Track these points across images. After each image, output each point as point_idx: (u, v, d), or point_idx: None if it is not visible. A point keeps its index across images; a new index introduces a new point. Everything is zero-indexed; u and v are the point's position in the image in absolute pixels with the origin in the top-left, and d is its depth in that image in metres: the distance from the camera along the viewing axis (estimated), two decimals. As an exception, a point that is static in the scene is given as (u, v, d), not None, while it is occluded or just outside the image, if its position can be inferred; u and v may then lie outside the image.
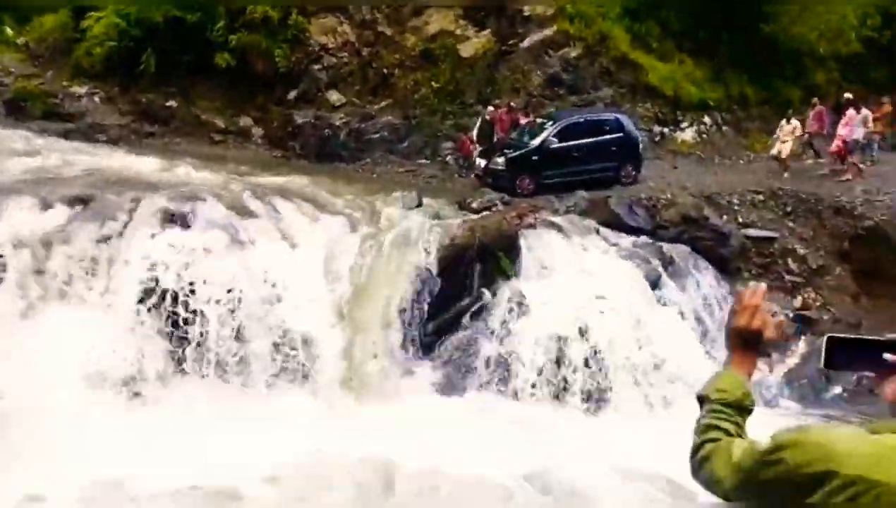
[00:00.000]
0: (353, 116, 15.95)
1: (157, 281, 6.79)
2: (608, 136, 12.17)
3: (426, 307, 7.66)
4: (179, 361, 6.56)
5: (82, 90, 15.69)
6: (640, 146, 12.59)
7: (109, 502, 5.03)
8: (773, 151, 13.46)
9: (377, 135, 16.01)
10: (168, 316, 6.60)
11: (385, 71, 16.97)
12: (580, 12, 16.60)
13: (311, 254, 7.77)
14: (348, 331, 7.40)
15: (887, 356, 1.40)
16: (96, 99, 15.56)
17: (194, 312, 6.81)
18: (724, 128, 17.07)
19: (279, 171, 12.04)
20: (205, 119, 15.59)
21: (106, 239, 6.89)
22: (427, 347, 7.63)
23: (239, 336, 6.79)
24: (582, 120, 12.71)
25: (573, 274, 7.77)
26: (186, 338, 6.62)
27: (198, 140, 15.10)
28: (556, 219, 8.64)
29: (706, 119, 16.55)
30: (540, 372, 7.11)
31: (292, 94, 16.43)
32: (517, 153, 12.04)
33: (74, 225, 6.96)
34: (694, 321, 7.79)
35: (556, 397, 7.22)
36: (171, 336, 6.59)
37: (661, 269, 8.10)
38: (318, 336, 7.30)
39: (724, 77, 17.99)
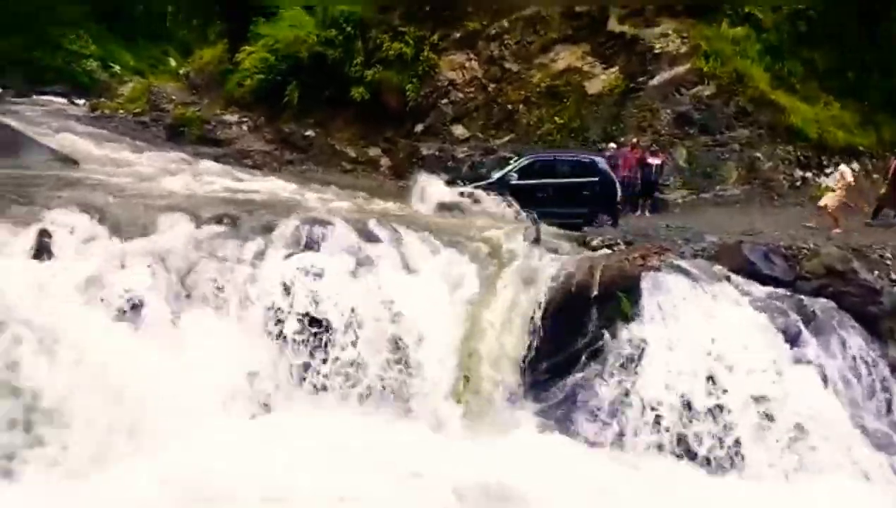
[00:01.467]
0: (476, 150, 16.33)
1: (287, 297, 7.18)
2: (580, 179, 11.39)
3: (541, 344, 7.54)
4: (303, 376, 6.87)
5: (233, 118, 17.25)
6: (618, 194, 11.70)
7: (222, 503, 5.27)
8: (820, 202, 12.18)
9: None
10: (296, 332, 6.95)
11: (510, 106, 17.26)
12: (716, 50, 16.06)
13: (431, 283, 7.92)
14: (462, 362, 7.43)
15: None
16: (244, 127, 17.05)
17: (317, 330, 7.12)
18: (875, 176, 15.72)
19: (403, 200, 12.43)
20: (338, 149, 16.61)
21: (246, 255, 7.40)
22: (540, 386, 7.49)
23: (359, 356, 7.02)
24: (551, 158, 12.08)
25: (700, 322, 7.35)
26: (311, 354, 6.94)
27: (331, 168, 16.07)
28: (683, 263, 8.24)
29: (854, 165, 15.31)
30: (659, 423, 6.75)
31: (419, 127, 17.10)
32: (472, 186, 11.58)
33: (219, 241, 7.54)
34: (840, 384, 7.08)
35: (676, 452, 6.80)
36: (298, 350, 6.92)
37: (801, 325, 7.46)
38: (432, 364, 7.38)
39: (875, 120, 16.65)
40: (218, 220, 7.75)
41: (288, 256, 7.56)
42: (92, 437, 5.49)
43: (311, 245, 7.87)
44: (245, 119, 17.18)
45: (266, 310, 7.05)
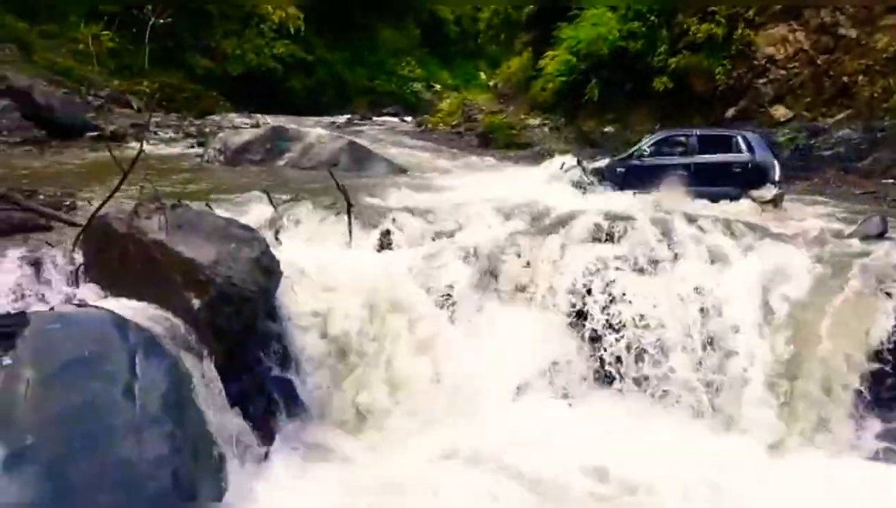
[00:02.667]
0: (802, 132, 14.48)
1: (587, 291, 7.21)
2: (726, 155, 10.54)
3: (890, 354, 6.30)
4: (604, 371, 6.83)
5: (535, 121, 18.05)
6: (777, 173, 10.52)
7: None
8: None
9: (830, 152, 14.37)
10: (597, 326, 6.94)
11: (846, 79, 14.95)
12: None
13: (744, 280, 7.19)
14: (783, 370, 6.58)
15: None
16: (546, 129, 17.71)
17: (619, 325, 6.99)
18: None
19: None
20: (634, 142, 16.13)
21: (548, 249, 7.64)
22: (887, 404, 6.29)
23: (663, 355, 6.71)
24: (691, 134, 11.06)
25: None
26: (613, 350, 6.85)
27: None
28: None
29: None
30: None
31: (731, 112, 15.80)
32: (610, 162, 11.37)
33: (523, 236, 7.93)
34: None
35: None
36: (599, 344, 6.90)
37: None
38: (746, 368, 6.70)
39: None
40: (521, 215, 8.17)
41: (587, 250, 7.59)
42: (410, 405, 6.22)
43: (612, 239, 7.80)
44: (547, 121, 17.82)
45: (567, 303, 7.17)
